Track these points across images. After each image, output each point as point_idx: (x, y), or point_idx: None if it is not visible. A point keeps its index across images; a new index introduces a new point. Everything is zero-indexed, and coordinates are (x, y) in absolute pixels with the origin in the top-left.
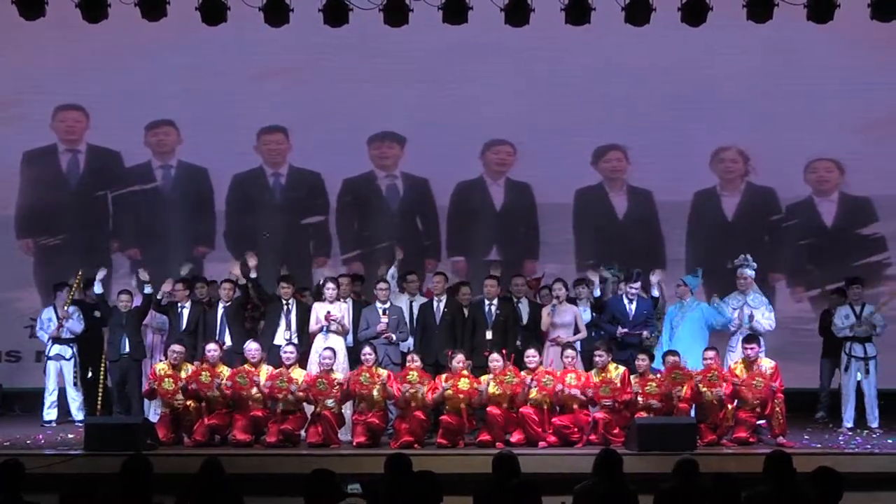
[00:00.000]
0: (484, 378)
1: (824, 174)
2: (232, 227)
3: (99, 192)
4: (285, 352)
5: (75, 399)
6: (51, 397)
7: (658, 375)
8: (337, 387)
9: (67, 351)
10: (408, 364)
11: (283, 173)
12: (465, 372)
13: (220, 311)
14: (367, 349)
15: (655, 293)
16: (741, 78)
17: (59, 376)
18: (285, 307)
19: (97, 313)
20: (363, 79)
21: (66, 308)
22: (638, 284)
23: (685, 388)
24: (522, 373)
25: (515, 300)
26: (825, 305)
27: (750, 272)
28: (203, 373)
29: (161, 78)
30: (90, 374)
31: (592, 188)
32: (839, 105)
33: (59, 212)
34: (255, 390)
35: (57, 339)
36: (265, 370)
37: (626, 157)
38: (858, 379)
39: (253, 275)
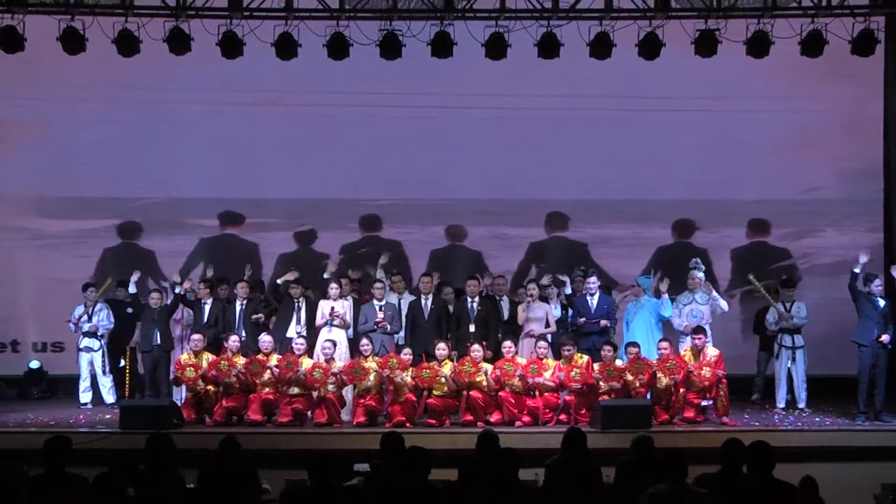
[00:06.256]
0: (446, 367)
1: None
2: None
3: None
4: (296, 343)
5: (105, 385)
6: (84, 383)
7: (622, 364)
8: (332, 377)
9: (95, 343)
10: (390, 352)
11: None
12: (425, 363)
13: (238, 308)
14: (364, 341)
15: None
16: None
17: (90, 365)
18: (296, 305)
19: (130, 310)
20: None
21: (91, 307)
22: (593, 279)
23: (645, 375)
24: (480, 363)
25: (497, 298)
26: None
27: (700, 274)
28: (222, 362)
29: None
30: (122, 363)
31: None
32: None
33: None
34: (267, 374)
35: (87, 333)
36: (275, 358)
37: None
38: (788, 366)
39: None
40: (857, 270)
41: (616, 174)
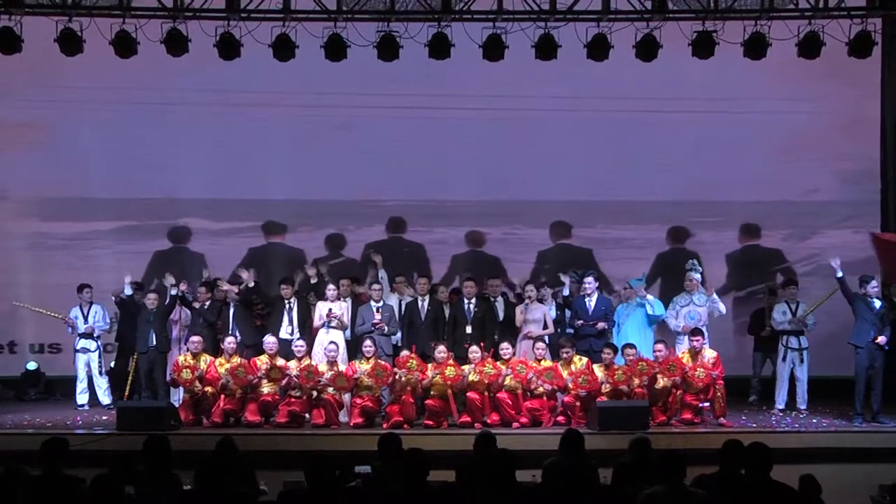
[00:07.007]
0: (466, 367)
1: None
2: None
3: None
4: (296, 346)
5: (101, 386)
6: (81, 384)
7: (624, 366)
8: (352, 381)
9: (92, 344)
10: (407, 353)
11: None
12: (450, 361)
13: (232, 309)
14: (367, 342)
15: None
16: None
17: (86, 366)
18: (287, 305)
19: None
20: None
21: (86, 308)
22: (590, 280)
23: (647, 375)
24: (498, 363)
25: (492, 299)
26: None
27: (696, 275)
28: (239, 369)
29: None
30: (131, 364)
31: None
32: None
33: None
34: (264, 382)
35: (83, 334)
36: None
37: None
38: (792, 367)
39: (251, 284)
40: (840, 275)
41: (613, 176)
